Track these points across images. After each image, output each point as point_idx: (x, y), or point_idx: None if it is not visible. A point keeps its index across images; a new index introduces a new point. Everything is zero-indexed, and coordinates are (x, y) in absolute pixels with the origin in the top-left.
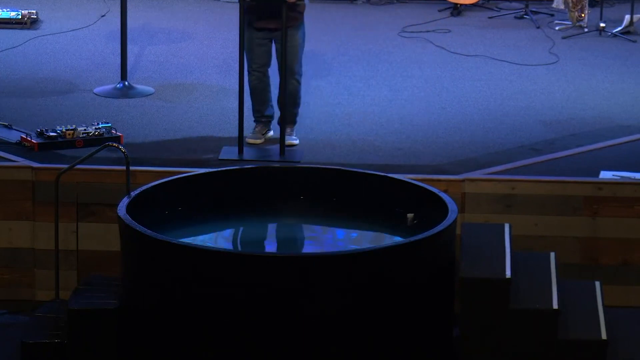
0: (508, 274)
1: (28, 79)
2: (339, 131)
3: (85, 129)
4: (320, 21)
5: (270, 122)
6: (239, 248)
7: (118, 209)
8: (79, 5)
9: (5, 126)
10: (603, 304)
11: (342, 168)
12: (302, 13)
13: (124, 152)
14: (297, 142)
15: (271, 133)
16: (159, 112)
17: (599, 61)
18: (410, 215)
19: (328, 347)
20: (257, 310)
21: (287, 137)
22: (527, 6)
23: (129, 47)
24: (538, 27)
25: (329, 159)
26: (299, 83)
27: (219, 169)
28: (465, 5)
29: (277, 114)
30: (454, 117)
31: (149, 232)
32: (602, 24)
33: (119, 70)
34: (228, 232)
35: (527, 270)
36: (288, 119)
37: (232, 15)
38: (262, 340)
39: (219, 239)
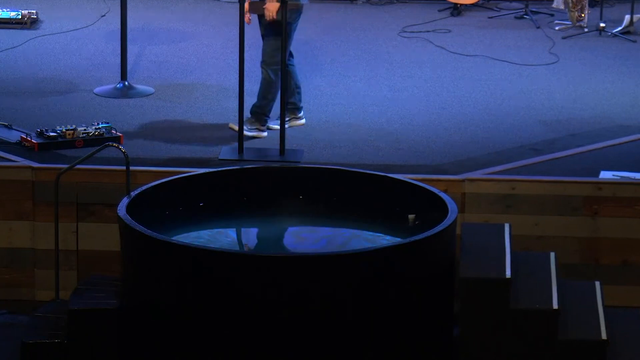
0: (508, 274)
1: (28, 79)
2: (339, 131)
3: (85, 129)
4: (320, 21)
5: (294, 109)
6: (239, 248)
7: (118, 209)
8: (79, 5)
9: (5, 126)
10: (603, 304)
11: (342, 168)
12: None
13: (124, 152)
14: (251, 134)
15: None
16: (159, 112)
17: (599, 61)
18: (411, 216)
19: (328, 347)
20: (257, 310)
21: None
22: (527, 6)
23: (129, 47)
24: (538, 27)
25: (329, 159)
26: (268, 74)
27: (219, 169)
28: (465, 5)
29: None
30: (454, 117)
31: (149, 232)
32: (602, 24)
33: (119, 70)
34: (228, 232)
35: (527, 270)
36: (251, 109)
37: (232, 15)
38: (262, 340)
39: (219, 239)
